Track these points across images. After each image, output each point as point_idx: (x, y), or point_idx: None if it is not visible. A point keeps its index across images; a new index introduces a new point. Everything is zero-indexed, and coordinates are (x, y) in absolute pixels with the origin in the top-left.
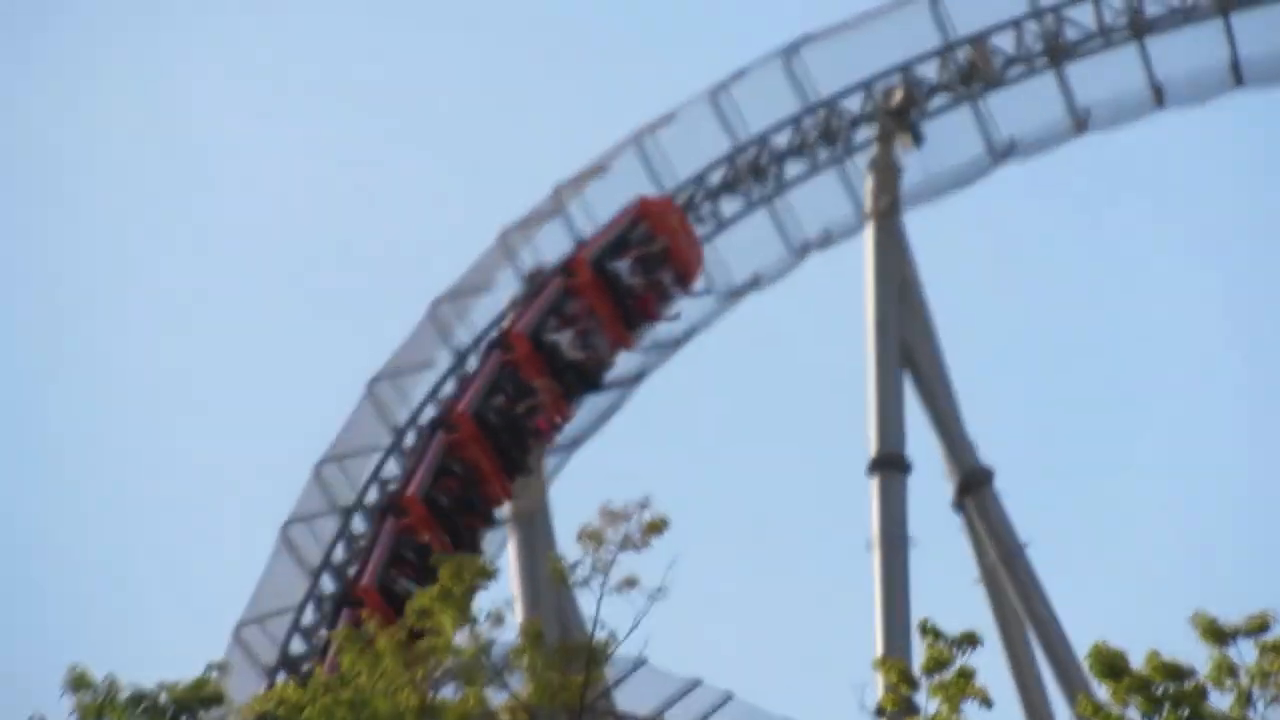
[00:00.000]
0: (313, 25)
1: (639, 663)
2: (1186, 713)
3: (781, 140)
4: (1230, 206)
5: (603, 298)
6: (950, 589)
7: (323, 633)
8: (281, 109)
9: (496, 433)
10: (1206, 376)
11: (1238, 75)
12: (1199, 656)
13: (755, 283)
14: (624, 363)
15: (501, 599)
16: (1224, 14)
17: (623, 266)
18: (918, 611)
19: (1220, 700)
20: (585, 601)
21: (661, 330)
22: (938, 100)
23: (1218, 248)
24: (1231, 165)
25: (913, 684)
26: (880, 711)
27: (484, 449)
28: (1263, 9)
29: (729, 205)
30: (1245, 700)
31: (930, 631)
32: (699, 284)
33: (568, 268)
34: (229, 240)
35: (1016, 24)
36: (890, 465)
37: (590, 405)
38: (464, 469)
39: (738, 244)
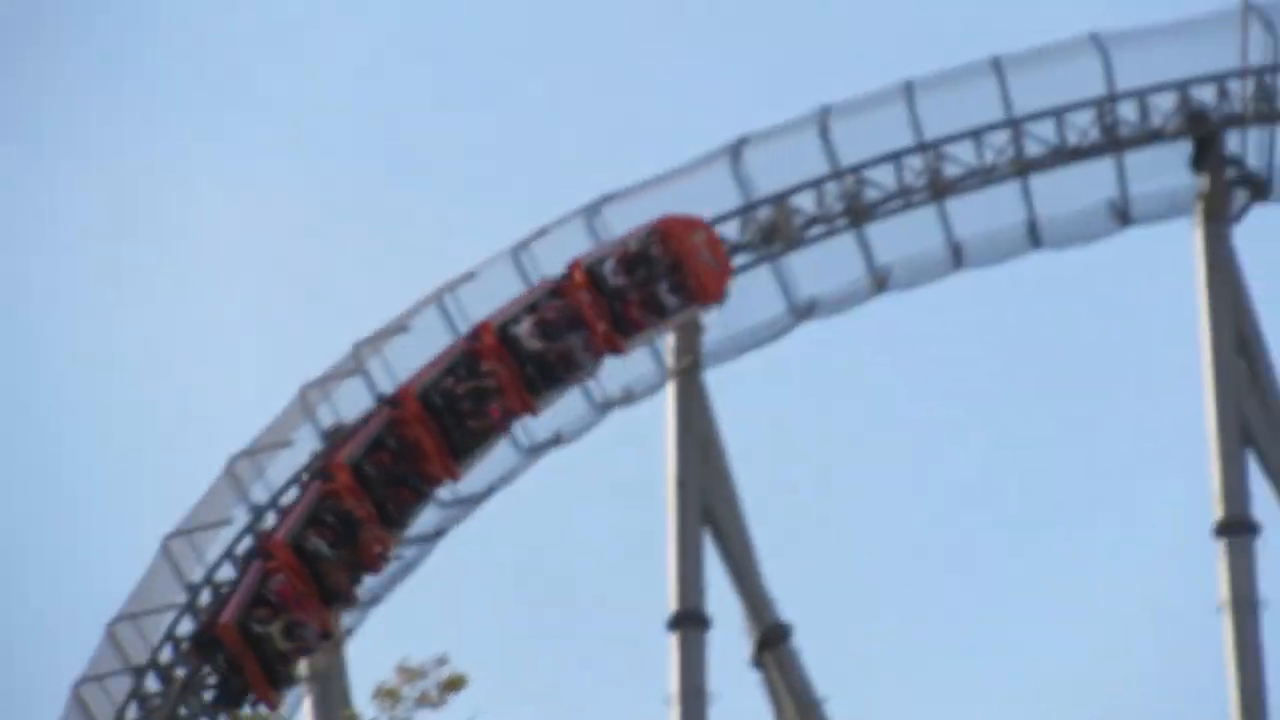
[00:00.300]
0: None
1: None
2: None
3: None
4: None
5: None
6: None
7: None
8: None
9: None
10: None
11: (1035, 237)
12: None
13: (557, 439)
14: (424, 519)
15: None
16: (1022, 176)
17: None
18: None
19: None
20: None
21: (460, 486)
22: (739, 259)
23: (990, 404)
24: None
25: None
26: None
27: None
28: (1060, 171)
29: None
30: None
31: None
32: (712, 308)
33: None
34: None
35: (817, 184)
36: (690, 621)
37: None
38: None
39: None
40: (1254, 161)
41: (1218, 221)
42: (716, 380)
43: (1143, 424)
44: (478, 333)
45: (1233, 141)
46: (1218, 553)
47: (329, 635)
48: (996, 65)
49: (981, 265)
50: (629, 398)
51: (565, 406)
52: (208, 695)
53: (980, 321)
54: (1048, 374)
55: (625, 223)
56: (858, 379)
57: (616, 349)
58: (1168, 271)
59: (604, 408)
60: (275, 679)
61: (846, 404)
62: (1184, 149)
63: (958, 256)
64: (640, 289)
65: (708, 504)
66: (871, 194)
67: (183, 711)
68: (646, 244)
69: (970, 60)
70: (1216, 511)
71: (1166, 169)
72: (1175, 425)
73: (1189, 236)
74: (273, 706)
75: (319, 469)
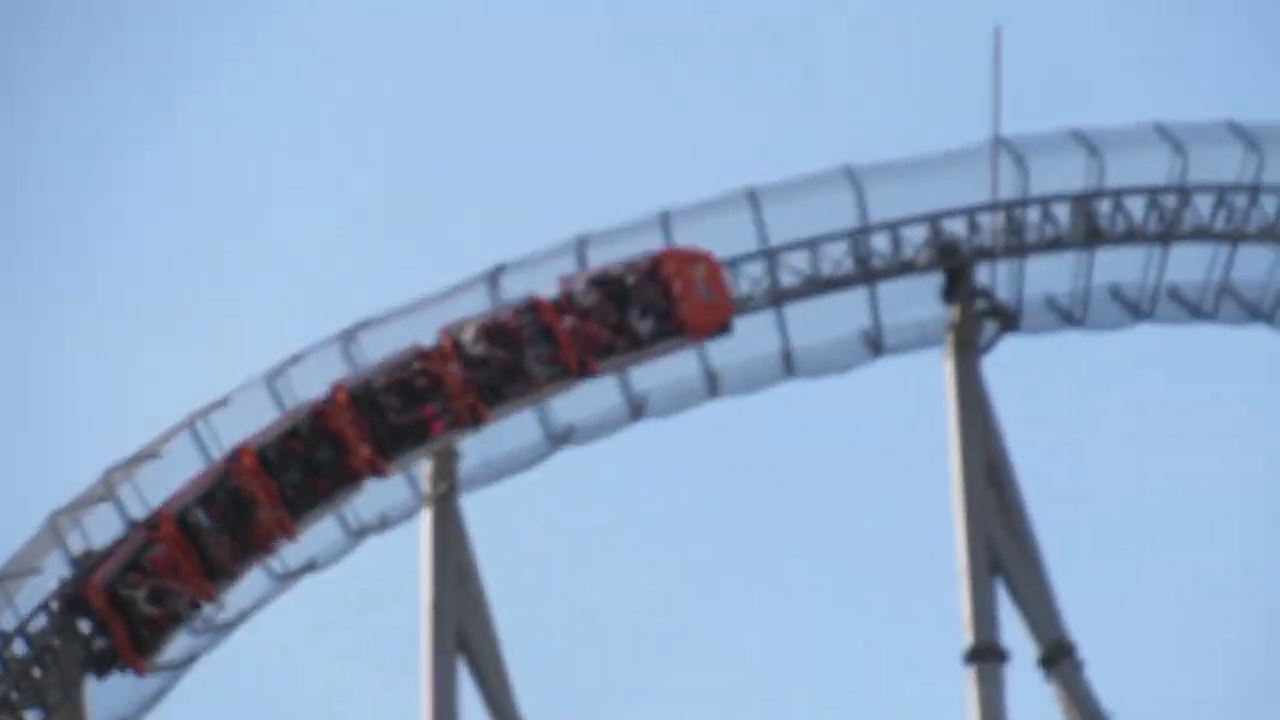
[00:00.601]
0: None
1: None
2: None
3: None
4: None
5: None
6: None
7: None
8: None
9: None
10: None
11: (790, 366)
12: None
13: (311, 565)
14: (175, 645)
15: None
16: (776, 305)
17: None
18: None
19: None
20: None
21: (214, 612)
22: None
23: (743, 531)
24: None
25: None
26: None
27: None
28: (813, 301)
29: None
30: None
31: None
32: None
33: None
34: None
35: None
36: None
37: (136, 686)
38: None
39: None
40: (1004, 293)
41: (968, 352)
42: (473, 506)
43: (894, 551)
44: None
45: (983, 274)
46: (967, 680)
47: (199, 605)
48: (751, 196)
49: (737, 393)
50: (384, 524)
51: (320, 533)
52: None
53: (736, 448)
54: (801, 500)
55: (381, 349)
56: (615, 503)
57: (379, 472)
58: (920, 401)
59: (359, 534)
60: (142, 646)
61: (603, 529)
62: (935, 280)
63: (713, 384)
64: (610, 316)
65: (463, 630)
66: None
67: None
68: (632, 271)
69: (725, 191)
70: (966, 638)
71: (918, 300)
72: (926, 552)
73: (941, 366)
74: (140, 672)
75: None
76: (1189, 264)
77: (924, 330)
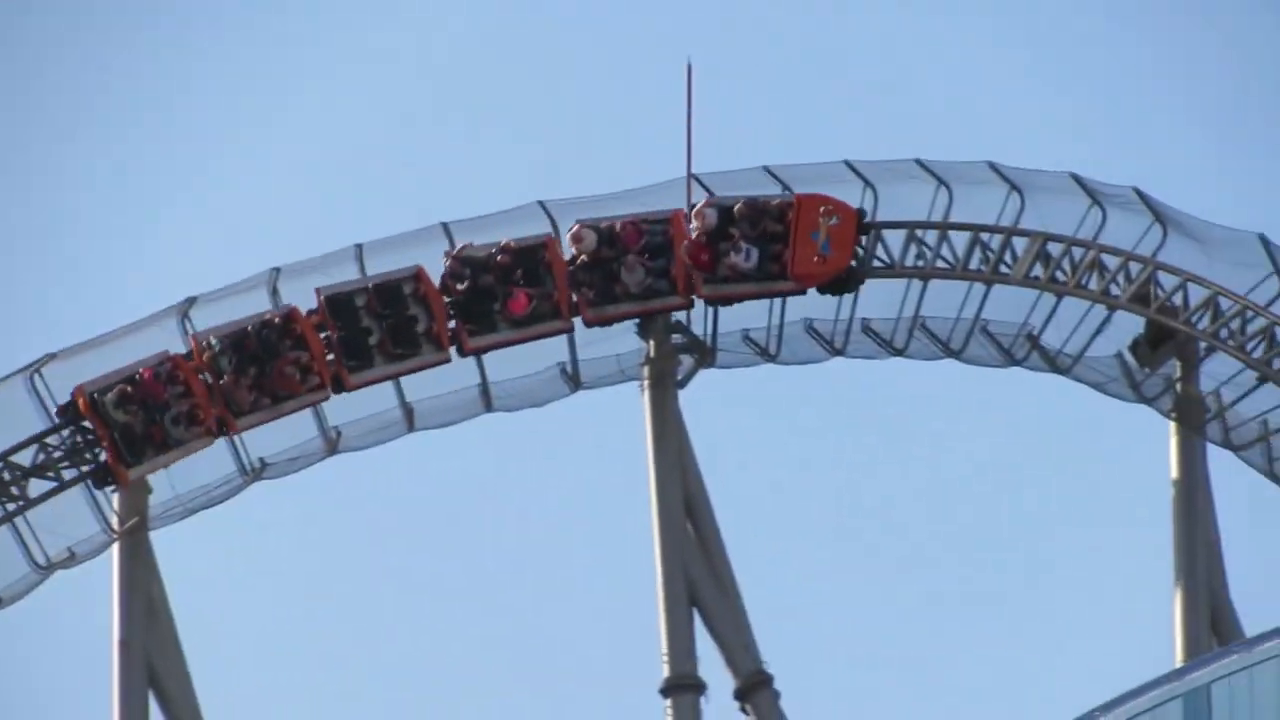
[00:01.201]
0: None
1: None
2: None
3: (25, 458)
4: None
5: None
6: None
7: None
8: None
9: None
10: None
11: (487, 399)
12: None
13: None
14: None
15: None
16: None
17: None
18: None
19: None
20: None
21: None
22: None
23: (442, 560)
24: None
25: None
26: None
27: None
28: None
29: None
30: None
31: None
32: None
33: None
34: None
35: None
36: None
37: None
38: None
39: None
40: (699, 329)
41: (664, 387)
42: (163, 541)
43: (592, 584)
44: None
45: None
46: (664, 712)
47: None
48: (446, 230)
49: (434, 426)
50: (72, 559)
51: (5, 567)
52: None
53: (433, 480)
54: (502, 532)
55: (68, 381)
56: (309, 536)
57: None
58: (619, 434)
59: (47, 569)
60: (126, 456)
61: (297, 563)
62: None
63: (410, 418)
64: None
65: (153, 665)
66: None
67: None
68: (764, 205)
69: (420, 226)
70: (663, 671)
71: (616, 335)
72: (624, 585)
73: (638, 401)
74: (122, 484)
75: None
76: (882, 300)
77: (621, 364)
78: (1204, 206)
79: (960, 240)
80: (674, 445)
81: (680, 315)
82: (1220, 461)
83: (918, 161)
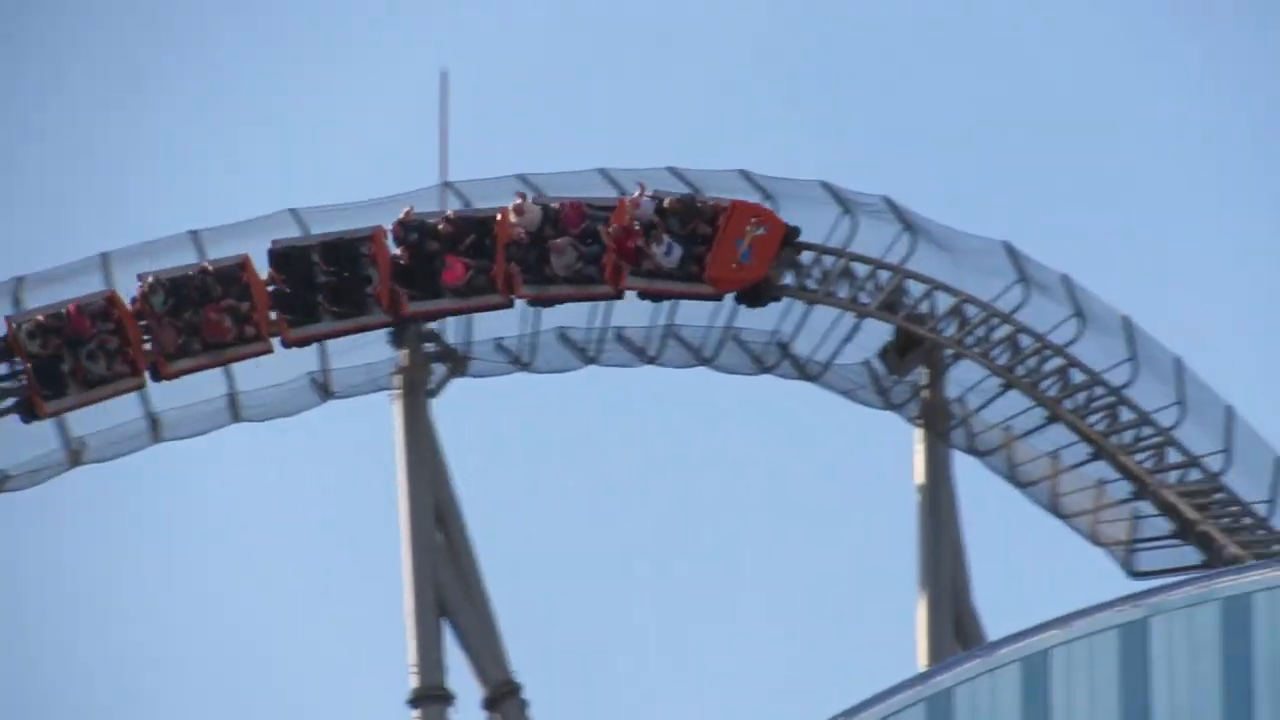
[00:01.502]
0: None
1: None
2: None
3: None
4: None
5: None
6: None
7: None
8: None
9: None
10: None
11: (234, 409)
12: None
13: None
14: None
15: None
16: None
17: None
18: None
19: None
20: None
21: None
22: None
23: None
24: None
25: None
26: None
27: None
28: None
29: None
30: None
31: None
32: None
33: None
34: None
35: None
36: None
37: None
38: None
39: None
40: (452, 337)
41: (416, 395)
42: None
43: (341, 593)
44: None
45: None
46: None
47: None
48: (194, 237)
49: (181, 436)
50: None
51: None
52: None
53: (181, 493)
54: (254, 543)
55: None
56: (53, 552)
57: None
58: (371, 444)
59: None
60: (41, 389)
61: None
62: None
63: (156, 428)
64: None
65: None
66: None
67: None
68: (698, 205)
69: (171, 233)
70: (412, 682)
71: (368, 343)
72: (373, 596)
73: (390, 410)
74: (40, 416)
75: None
76: (635, 309)
77: (373, 373)
78: (951, 215)
79: None
80: (425, 454)
81: (434, 323)
82: (966, 468)
83: (670, 170)
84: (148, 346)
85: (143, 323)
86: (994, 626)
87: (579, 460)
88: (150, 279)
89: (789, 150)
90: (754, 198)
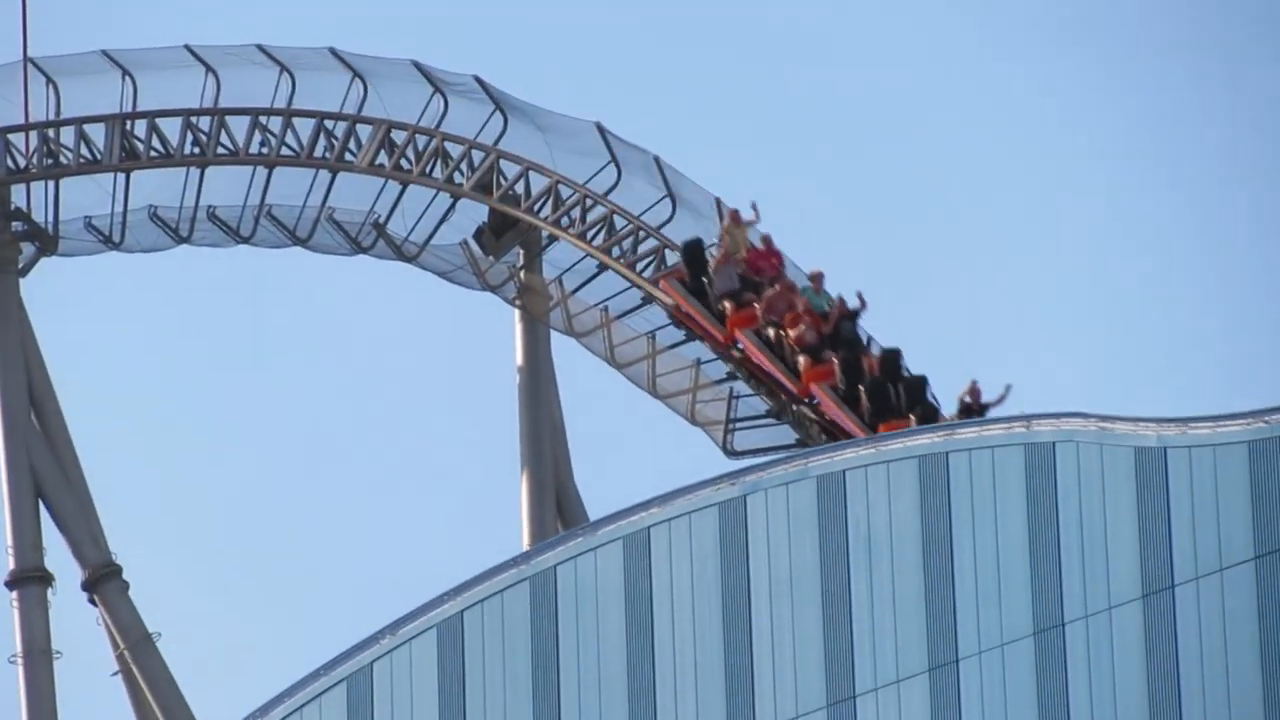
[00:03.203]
0: None
1: None
2: None
3: None
4: None
5: None
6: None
7: None
8: None
9: None
10: None
11: None
12: None
13: None
14: None
15: None
16: None
17: None
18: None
19: None
20: None
21: None
22: None
23: None
24: None
25: None
26: None
27: None
28: None
29: None
30: None
31: None
32: None
33: None
34: None
35: None
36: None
37: None
38: None
39: None
40: (40, 216)
41: (5, 275)
42: None
43: None
44: None
45: (19, 195)
46: (11, 604)
47: None
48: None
49: None
50: None
51: None
52: None
53: None
54: None
55: None
56: None
57: None
58: None
59: None
60: None
61: None
62: None
63: None
64: None
65: None
66: None
67: None
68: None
69: None
70: (10, 563)
71: None
72: None
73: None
74: None
75: None
76: (228, 188)
77: None
78: (543, 96)
79: (305, 127)
80: (16, 335)
81: (21, 201)
82: (564, 348)
83: (259, 47)
84: None
85: None
86: (595, 506)
87: (174, 340)
88: None
89: (379, 29)
90: (343, 76)
